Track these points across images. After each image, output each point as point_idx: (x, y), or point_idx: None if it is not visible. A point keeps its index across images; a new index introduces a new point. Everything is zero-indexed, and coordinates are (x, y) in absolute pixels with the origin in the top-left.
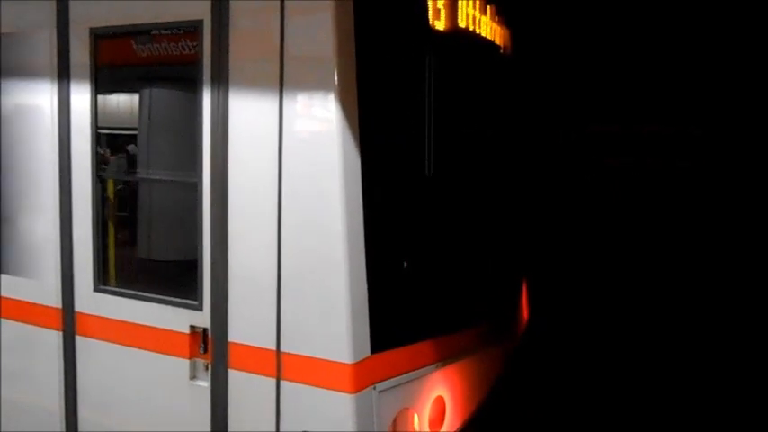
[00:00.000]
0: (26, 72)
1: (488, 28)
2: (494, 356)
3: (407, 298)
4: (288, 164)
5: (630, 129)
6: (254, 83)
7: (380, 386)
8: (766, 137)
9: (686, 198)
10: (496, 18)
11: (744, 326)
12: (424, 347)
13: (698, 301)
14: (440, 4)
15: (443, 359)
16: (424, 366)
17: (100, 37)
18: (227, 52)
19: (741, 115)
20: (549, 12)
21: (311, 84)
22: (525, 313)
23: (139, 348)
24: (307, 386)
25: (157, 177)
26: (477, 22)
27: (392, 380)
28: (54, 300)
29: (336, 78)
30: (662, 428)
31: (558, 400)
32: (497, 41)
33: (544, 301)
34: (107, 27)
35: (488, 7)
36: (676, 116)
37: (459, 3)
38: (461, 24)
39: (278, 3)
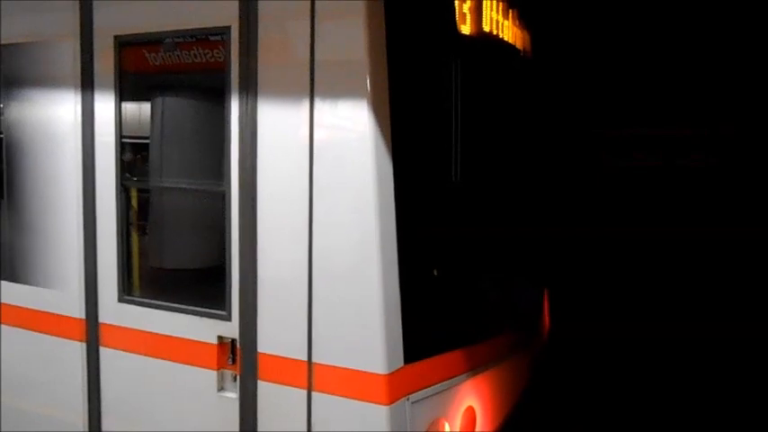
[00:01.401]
0: (50, 81)
1: (510, 32)
2: (521, 365)
3: (438, 307)
4: (319, 171)
5: (649, 131)
6: (284, 89)
7: (414, 397)
8: None
9: (709, 200)
10: (518, 22)
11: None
12: (455, 357)
13: (722, 307)
14: (466, 9)
15: (474, 368)
16: (456, 376)
17: (124, 45)
18: (255, 58)
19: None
20: (568, 15)
21: (343, 89)
22: (547, 322)
23: (165, 360)
24: (339, 398)
25: (184, 186)
26: (500, 27)
27: (425, 390)
28: (78, 311)
29: (369, 83)
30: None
31: (582, 408)
32: (519, 45)
33: (565, 309)
34: (132, 35)
35: (510, 11)
36: (697, 118)
37: (484, 7)
38: (486, 28)
39: (308, 7)
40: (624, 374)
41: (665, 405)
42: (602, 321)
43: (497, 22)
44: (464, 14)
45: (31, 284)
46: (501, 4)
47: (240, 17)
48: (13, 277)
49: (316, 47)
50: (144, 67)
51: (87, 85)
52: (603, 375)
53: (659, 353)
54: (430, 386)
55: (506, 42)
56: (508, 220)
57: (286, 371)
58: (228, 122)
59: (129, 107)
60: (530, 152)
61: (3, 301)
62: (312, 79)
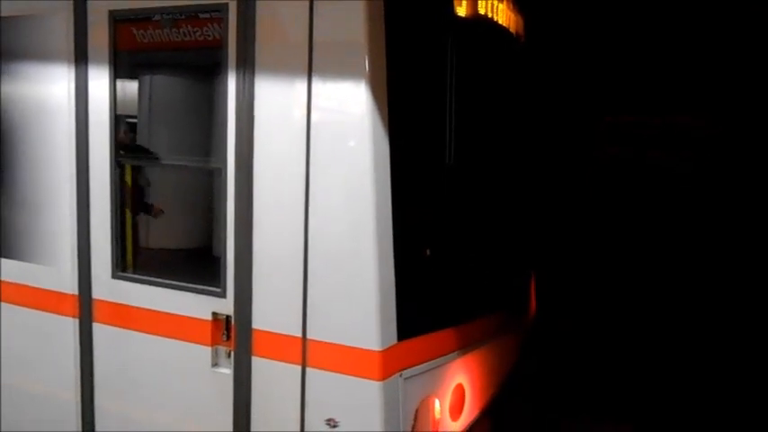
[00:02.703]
0: (43, 56)
1: (505, 15)
2: (509, 345)
3: (430, 286)
4: (316, 150)
5: (644, 120)
6: (282, 68)
7: (406, 373)
8: None
9: (697, 193)
10: (512, 6)
11: (750, 324)
12: (446, 335)
13: (705, 298)
14: None
15: (464, 347)
16: (447, 354)
17: (119, 20)
18: (253, 37)
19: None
20: (561, 2)
21: (341, 69)
22: (534, 304)
23: (159, 336)
24: (333, 373)
25: (181, 163)
26: (495, 10)
27: (417, 367)
28: (71, 287)
29: (367, 64)
30: (665, 414)
31: (567, 390)
32: (513, 29)
33: (551, 293)
34: (127, 10)
35: None
36: (701, 108)
37: None
38: (481, 11)
39: None
40: (606, 354)
41: (647, 382)
42: (586, 304)
43: (492, 5)
44: None
45: (24, 260)
46: None
47: None
48: (7, 253)
49: (314, 26)
50: (140, 44)
51: (81, 61)
52: (586, 355)
53: (642, 336)
54: (422, 363)
55: (501, 26)
56: (501, 204)
57: (280, 347)
58: (225, 100)
59: (128, 84)
60: (524, 137)
61: None
62: (310, 59)
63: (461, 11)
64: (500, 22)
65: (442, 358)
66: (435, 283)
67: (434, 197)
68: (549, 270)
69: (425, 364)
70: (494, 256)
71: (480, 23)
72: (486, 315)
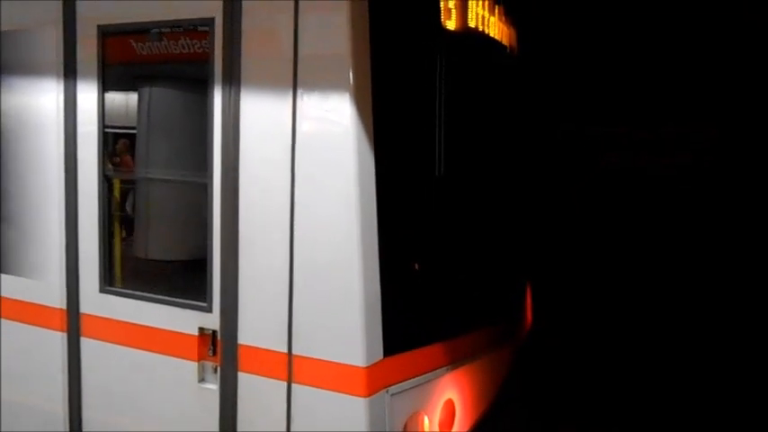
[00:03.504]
0: (31, 69)
1: (497, 28)
2: (501, 359)
3: (419, 300)
4: (301, 164)
5: (633, 130)
6: (267, 82)
7: (393, 389)
8: None
9: (693, 199)
10: (504, 18)
11: (749, 327)
12: (435, 350)
13: (703, 303)
14: (451, 4)
15: (454, 362)
16: (435, 369)
17: (107, 34)
18: (239, 50)
19: (753, 115)
20: (553, 12)
21: (325, 82)
22: (529, 316)
23: (146, 351)
24: (319, 389)
25: (167, 177)
26: (486, 23)
27: (404, 383)
28: (59, 301)
29: (351, 77)
30: (664, 427)
31: (562, 401)
32: (505, 42)
33: (546, 303)
34: (115, 24)
35: (497, 7)
36: (686, 117)
37: (470, 3)
38: (471, 24)
39: (291, 0)
40: (605, 368)
41: (645, 398)
42: (583, 316)
43: (483, 18)
44: (449, 10)
45: (12, 274)
46: (487, 0)
47: (224, 8)
48: None
49: (299, 40)
50: (128, 57)
51: (70, 75)
52: (584, 369)
53: (640, 348)
54: (409, 379)
55: (492, 38)
56: (494, 215)
57: (266, 362)
58: (211, 114)
59: (114, 97)
60: (517, 148)
61: None
62: (295, 72)
63: (450, 24)
64: (491, 34)
65: (430, 374)
66: (423, 297)
67: (423, 210)
68: (546, 280)
69: (413, 379)
70: (486, 269)
71: (470, 36)
72: (477, 329)
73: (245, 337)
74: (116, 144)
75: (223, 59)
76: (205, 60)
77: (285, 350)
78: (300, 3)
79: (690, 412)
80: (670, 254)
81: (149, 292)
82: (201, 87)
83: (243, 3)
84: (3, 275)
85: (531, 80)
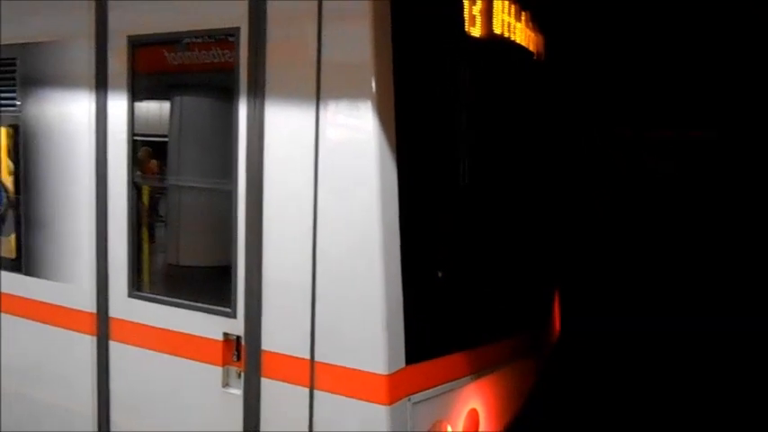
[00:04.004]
0: (66, 80)
1: (523, 34)
2: (527, 368)
3: (442, 309)
4: (324, 171)
5: (665, 133)
6: (291, 90)
7: (415, 398)
8: None
9: (722, 204)
10: (531, 24)
11: None
12: (458, 359)
13: (748, 317)
14: (475, 11)
15: (478, 371)
16: (459, 378)
17: (137, 45)
18: (263, 59)
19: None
20: (581, 17)
21: (348, 91)
22: (557, 324)
23: (173, 355)
24: (341, 396)
25: (194, 184)
26: (511, 29)
27: (427, 391)
28: (89, 305)
29: (374, 85)
30: None
31: (589, 412)
32: (532, 48)
33: (576, 311)
34: (144, 35)
35: (523, 14)
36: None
37: (495, 9)
38: (496, 31)
39: (315, 9)
40: (635, 380)
41: (676, 410)
42: (614, 323)
43: (509, 24)
44: (473, 17)
45: (44, 278)
46: (513, 6)
47: (250, 18)
48: (31, 271)
49: (322, 48)
50: (160, 67)
51: (101, 85)
52: (615, 379)
53: (672, 357)
54: (432, 387)
55: (518, 45)
56: (520, 222)
57: (289, 369)
58: (237, 122)
59: (145, 106)
60: (542, 155)
61: (19, 293)
62: (318, 81)
63: (475, 31)
64: (517, 40)
65: (454, 382)
66: (447, 305)
67: (448, 217)
68: (576, 287)
69: (436, 388)
70: (512, 277)
71: (495, 43)
72: (502, 338)
73: (269, 342)
74: (138, 152)
75: (248, 68)
76: (230, 69)
77: (308, 356)
78: (324, 12)
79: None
80: (712, 262)
81: (176, 297)
82: (227, 95)
83: (268, 12)
84: (36, 279)
85: (560, 85)
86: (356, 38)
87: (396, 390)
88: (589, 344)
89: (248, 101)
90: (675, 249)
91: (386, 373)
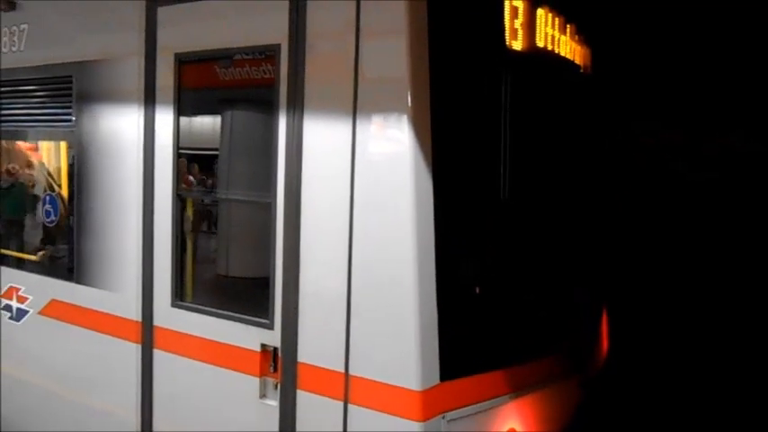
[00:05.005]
0: (117, 96)
1: (568, 47)
2: (571, 389)
3: (479, 325)
4: (360, 186)
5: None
6: (329, 105)
7: (450, 415)
8: None
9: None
10: (576, 37)
11: None
12: (497, 377)
13: None
14: (517, 24)
15: (517, 390)
16: (497, 397)
17: (184, 62)
18: (302, 75)
19: None
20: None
21: (384, 106)
22: (605, 342)
23: (213, 364)
24: (374, 411)
25: (234, 197)
26: (555, 42)
27: (462, 409)
28: (134, 313)
29: (410, 100)
30: None
31: None
32: (577, 60)
33: (626, 329)
34: (190, 52)
35: (568, 26)
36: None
37: (538, 22)
38: (539, 44)
39: (353, 25)
40: (687, 403)
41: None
42: (666, 343)
43: (552, 37)
44: (515, 30)
45: (95, 287)
46: (557, 18)
47: (290, 35)
48: (80, 279)
49: (360, 63)
50: (211, 83)
51: (150, 101)
52: (663, 403)
53: (728, 383)
54: (469, 405)
55: (562, 57)
56: (564, 238)
57: (324, 381)
58: (276, 136)
59: (190, 120)
60: (588, 167)
61: (72, 302)
62: (356, 95)
63: (516, 44)
64: (561, 53)
65: (491, 401)
66: (485, 322)
67: (486, 232)
68: (625, 304)
69: (473, 406)
70: (554, 293)
71: (538, 56)
72: (543, 356)
73: (305, 355)
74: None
75: (288, 83)
76: (271, 85)
77: (342, 370)
78: (362, 27)
79: None
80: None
81: (216, 308)
82: (268, 110)
83: (307, 29)
84: (84, 287)
85: (606, 97)
86: (393, 52)
87: (430, 406)
88: (639, 364)
89: (287, 115)
90: (719, 263)
91: (419, 389)
